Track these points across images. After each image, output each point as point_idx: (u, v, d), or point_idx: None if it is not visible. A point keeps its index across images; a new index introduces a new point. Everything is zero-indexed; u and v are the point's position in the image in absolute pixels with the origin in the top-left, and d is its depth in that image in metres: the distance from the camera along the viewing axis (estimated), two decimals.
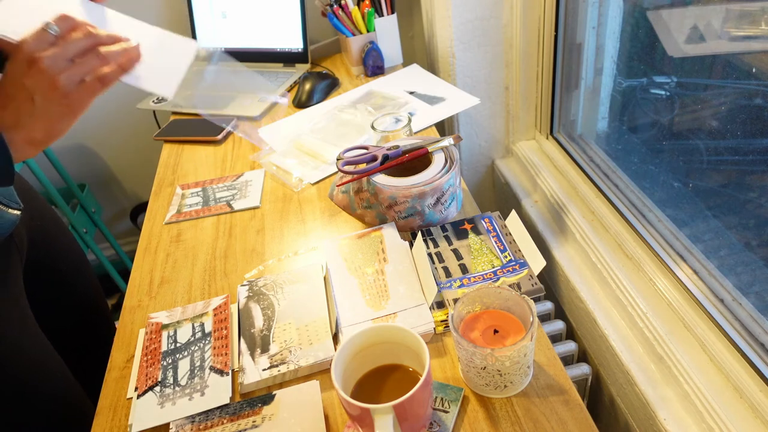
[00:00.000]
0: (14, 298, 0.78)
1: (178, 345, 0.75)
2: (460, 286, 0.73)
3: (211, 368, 0.71)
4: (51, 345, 0.82)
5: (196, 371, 0.71)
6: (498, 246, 0.78)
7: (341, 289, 0.76)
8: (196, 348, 0.74)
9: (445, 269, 0.76)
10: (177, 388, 0.69)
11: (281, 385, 0.68)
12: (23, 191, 0.84)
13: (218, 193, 1.05)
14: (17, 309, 0.78)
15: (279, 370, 0.68)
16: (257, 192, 1.02)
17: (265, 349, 0.71)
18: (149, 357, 0.74)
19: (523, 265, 0.74)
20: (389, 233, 0.83)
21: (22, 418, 0.75)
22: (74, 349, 0.88)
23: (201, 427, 0.64)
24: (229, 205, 1.00)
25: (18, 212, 0.77)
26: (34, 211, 0.90)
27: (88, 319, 0.99)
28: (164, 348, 0.75)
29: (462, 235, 0.81)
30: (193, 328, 0.77)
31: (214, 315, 0.78)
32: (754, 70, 0.83)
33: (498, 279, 0.73)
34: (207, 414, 0.65)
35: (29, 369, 0.76)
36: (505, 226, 0.81)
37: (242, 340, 0.73)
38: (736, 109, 0.85)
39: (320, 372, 0.69)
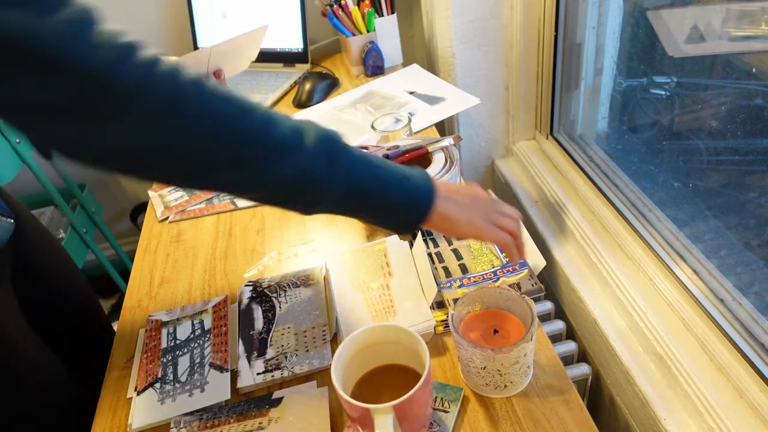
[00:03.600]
0: (9, 309, 0.78)
1: (177, 342, 0.75)
2: (460, 286, 0.73)
3: (211, 365, 0.71)
4: (49, 349, 0.82)
5: (195, 368, 0.71)
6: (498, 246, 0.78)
7: (346, 306, 0.74)
8: (196, 345, 0.74)
9: (445, 269, 0.76)
10: (177, 385, 0.69)
11: (281, 385, 0.68)
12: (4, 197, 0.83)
13: None
14: (13, 319, 0.78)
15: (273, 376, 0.68)
16: None
17: (261, 353, 0.71)
18: (149, 354, 0.74)
19: (523, 265, 0.74)
20: (393, 246, 0.82)
21: (20, 421, 0.75)
22: (69, 354, 0.87)
23: (208, 425, 0.64)
24: (233, 203, 1.00)
25: (11, 220, 0.77)
26: (22, 225, 0.88)
27: (80, 322, 0.96)
28: (164, 345, 0.75)
29: None
30: (193, 325, 0.77)
31: (214, 312, 0.78)
32: (754, 70, 0.83)
33: (498, 279, 0.73)
34: (214, 412, 0.65)
35: (29, 371, 0.76)
36: None
37: (241, 341, 0.73)
38: (736, 109, 0.85)
39: (320, 372, 0.69)
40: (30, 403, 0.76)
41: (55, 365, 0.82)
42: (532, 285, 0.71)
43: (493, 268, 0.75)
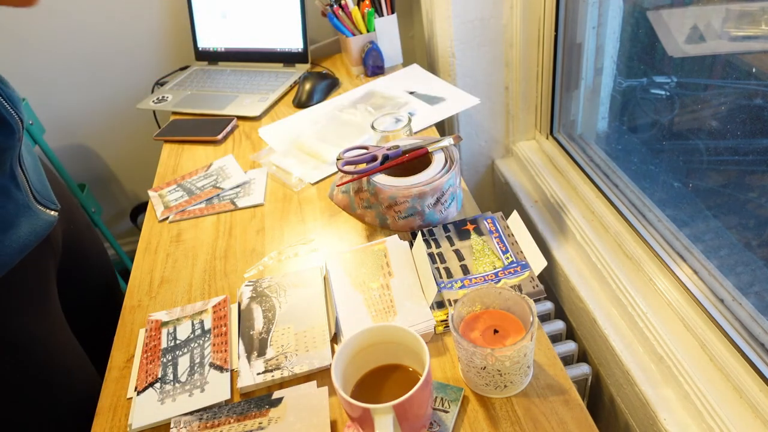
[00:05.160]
0: (50, 304, 0.79)
1: (177, 342, 0.75)
2: (461, 287, 0.73)
3: (211, 365, 0.71)
4: (84, 353, 0.83)
5: (195, 368, 0.71)
6: (500, 247, 0.78)
7: (346, 306, 0.75)
8: (196, 345, 0.74)
9: (447, 270, 0.76)
10: (177, 385, 0.69)
11: (281, 385, 0.68)
12: (60, 197, 0.84)
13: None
14: (52, 315, 0.79)
15: (272, 376, 0.68)
16: (261, 190, 1.03)
17: (261, 353, 0.71)
18: (149, 354, 0.74)
19: (525, 267, 0.74)
20: (393, 246, 0.82)
21: (48, 421, 0.75)
22: (97, 352, 0.89)
23: (208, 425, 0.64)
24: (233, 203, 1.00)
25: (55, 213, 0.78)
26: (69, 214, 0.90)
27: (111, 321, 0.99)
28: (164, 345, 0.75)
29: (464, 235, 0.81)
30: (193, 325, 0.77)
31: (213, 312, 0.78)
32: (754, 70, 0.83)
33: (499, 281, 0.73)
34: (214, 412, 0.65)
35: (61, 376, 0.77)
36: (508, 227, 0.81)
37: (241, 341, 0.73)
38: (736, 109, 0.85)
39: (320, 372, 0.69)
40: (53, 387, 0.77)
41: (89, 371, 0.83)
42: (533, 287, 0.71)
43: (495, 269, 0.75)
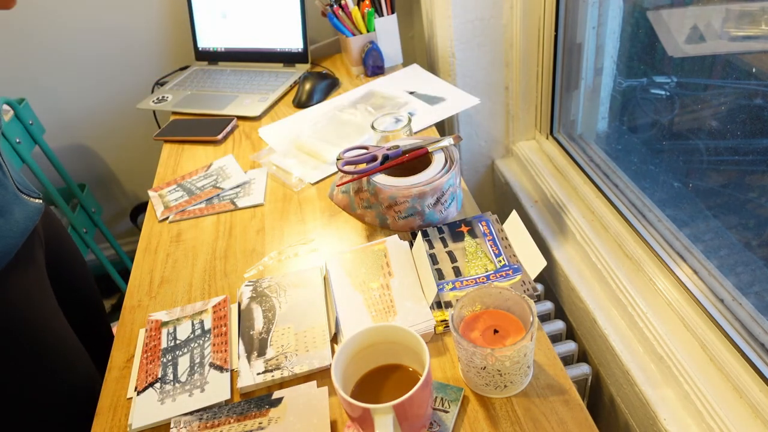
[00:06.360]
0: (43, 284, 0.81)
1: (177, 342, 0.75)
2: (452, 289, 0.73)
3: (211, 365, 0.71)
4: (75, 334, 0.85)
5: (195, 368, 0.71)
6: (493, 250, 0.78)
7: (346, 306, 0.75)
8: (196, 345, 0.74)
9: (438, 271, 0.76)
10: (177, 385, 0.69)
11: (281, 385, 0.68)
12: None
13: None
14: (46, 295, 0.81)
15: (272, 376, 0.68)
16: (261, 190, 1.03)
17: (261, 353, 0.71)
18: (149, 354, 0.74)
19: (517, 270, 0.74)
20: (393, 246, 0.82)
21: (49, 400, 0.77)
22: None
23: (208, 425, 0.64)
24: (233, 203, 1.00)
25: (40, 201, 0.81)
26: (46, 215, 0.92)
27: (88, 322, 1.00)
28: (164, 345, 0.75)
29: (458, 237, 0.81)
30: (193, 325, 0.77)
31: (213, 312, 0.78)
32: (754, 70, 0.83)
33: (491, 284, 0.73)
34: (214, 412, 0.65)
35: (58, 349, 0.79)
36: (502, 230, 0.81)
37: (241, 341, 0.73)
38: (736, 109, 0.85)
39: (320, 372, 0.69)
40: (54, 373, 0.78)
41: (75, 342, 0.85)
42: (524, 290, 0.71)
43: (486, 272, 0.75)
